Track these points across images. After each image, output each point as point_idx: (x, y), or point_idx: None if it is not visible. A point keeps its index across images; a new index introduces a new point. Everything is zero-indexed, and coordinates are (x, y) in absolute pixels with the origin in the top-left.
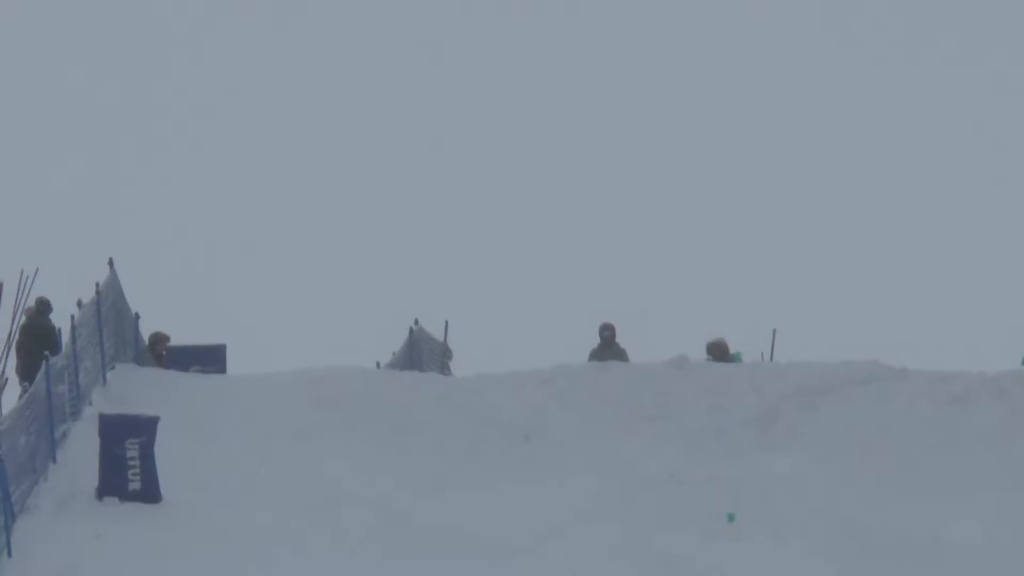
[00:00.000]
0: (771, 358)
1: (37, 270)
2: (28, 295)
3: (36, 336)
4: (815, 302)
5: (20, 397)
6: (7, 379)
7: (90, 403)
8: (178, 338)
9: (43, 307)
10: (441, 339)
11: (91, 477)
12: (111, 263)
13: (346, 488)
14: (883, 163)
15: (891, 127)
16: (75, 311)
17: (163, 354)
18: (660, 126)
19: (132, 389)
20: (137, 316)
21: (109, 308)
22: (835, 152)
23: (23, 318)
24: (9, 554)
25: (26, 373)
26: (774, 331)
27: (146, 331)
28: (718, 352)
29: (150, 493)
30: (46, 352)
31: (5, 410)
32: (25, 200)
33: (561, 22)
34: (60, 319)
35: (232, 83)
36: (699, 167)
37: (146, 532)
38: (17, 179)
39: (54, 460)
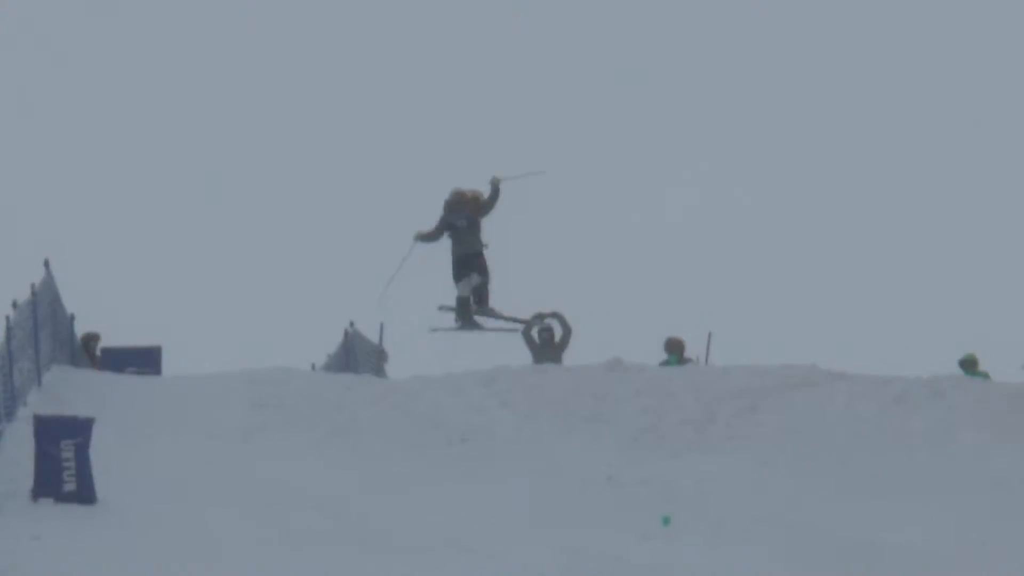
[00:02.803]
0: (706, 362)
1: None
2: None
3: None
4: (750, 306)
5: None
6: None
7: (25, 404)
8: (113, 340)
9: None
10: (376, 341)
11: (26, 478)
12: (47, 264)
13: (287, 488)
14: (821, 164)
15: (826, 124)
16: (10, 312)
17: (98, 355)
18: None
19: (68, 390)
20: (72, 317)
21: (45, 309)
22: (772, 152)
23: None
24: None
25: None
26: (709, 335)
27: (81, 332)
28: (675, 348)
29: (86, 494)
30: None
31: None
32: None
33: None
34: None
35: (164, 78)
36: (636, 167)
37: (82, 533)
38: None
39: None
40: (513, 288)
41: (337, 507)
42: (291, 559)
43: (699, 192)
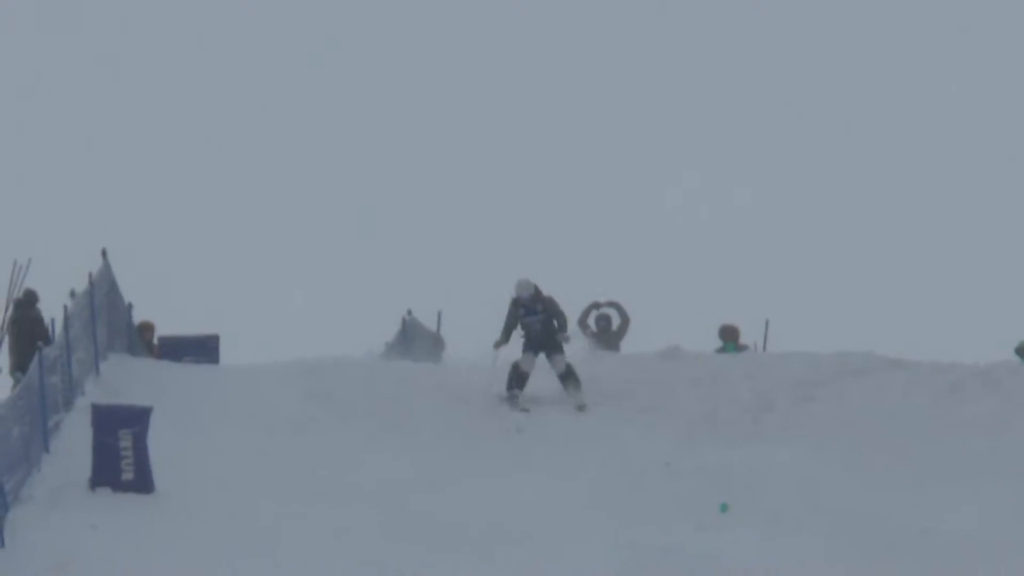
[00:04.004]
0: (764, 349)
1: (30, 260)
2: (21, 286)
3: (25, 328)
4: (808, 293)
5: (13, 388)
6: (0, 370)
7: (83, 393)
8: (171, 329)
9: (31, 297)
10: (434, 329)
11: (84, 468)
12: (104, 253)
13: (341, 479)
14: (877, 153)
15: (880, 116)
16: (68, 302)
17: (156, 344)
18: (648, 115)
19: (125, 379)
20: (130, 306)
21: (102, 298)
22: (829, 142)
23: (10, 310)
24: (2, 544)
25: (19, 364)
26: (767, 322)
27: (139, 321)
28: (730, 336)
29: (143, 483)
30: (39, 343)
31: None
32: (17, 190)
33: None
34: (53, 310)
35: (226, 74)
36: (690, 155)
37: (139, 522)
38: (9, 169)
39: (47, 450)
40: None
41: (391, 499)
42: (344, 551)
43: (757, 179)
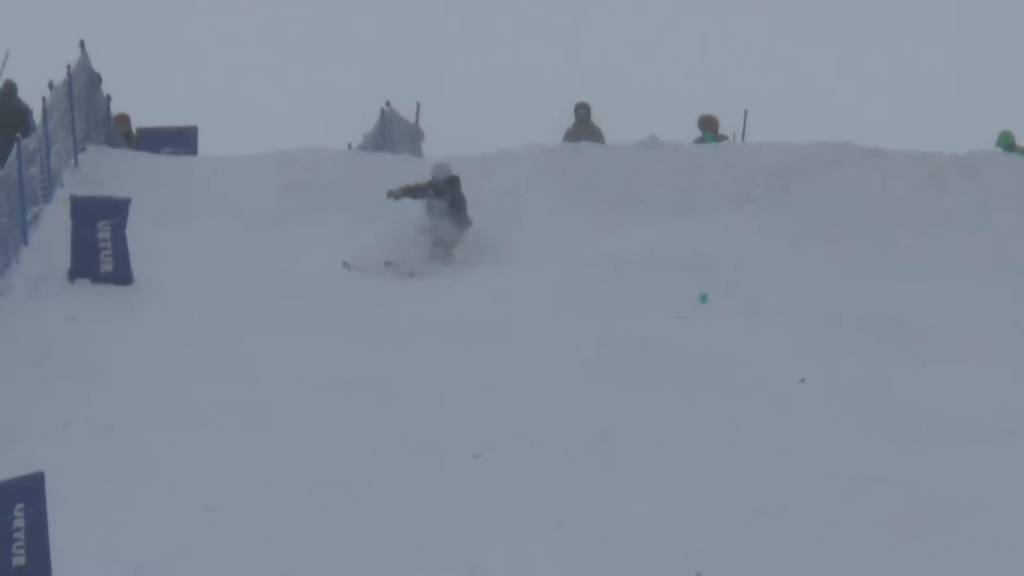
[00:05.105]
0: (743, 140)
1: (8, 53)
2: None
3: (8, 118)
4: (787, 84)
5: None
6: None
7: (61, 185)
8: (149, 120)
9: (10, 88)
10: (412, 121)
11: (63, 259)
12: (82, 44)
13: (319, 271)
14: None
15: None
16: (46, 93)
17: (135, 136)
18: None
19: (104, 171)
20: (108, 98)
21: (80, 90)
22: None
23: None
24: None
25: None
26: (745, 112)
27: (116, 113)
28: (709, 126)
29: (122, 275)
30: (17, 134)
31: None
32: None
33: None
34: (31, 102)
35: None
36: None
37: (118, 314)
38: None
39: (26, 242)
40: (553, 70)
41: (373, 290)
42: (322, 339)
43: None
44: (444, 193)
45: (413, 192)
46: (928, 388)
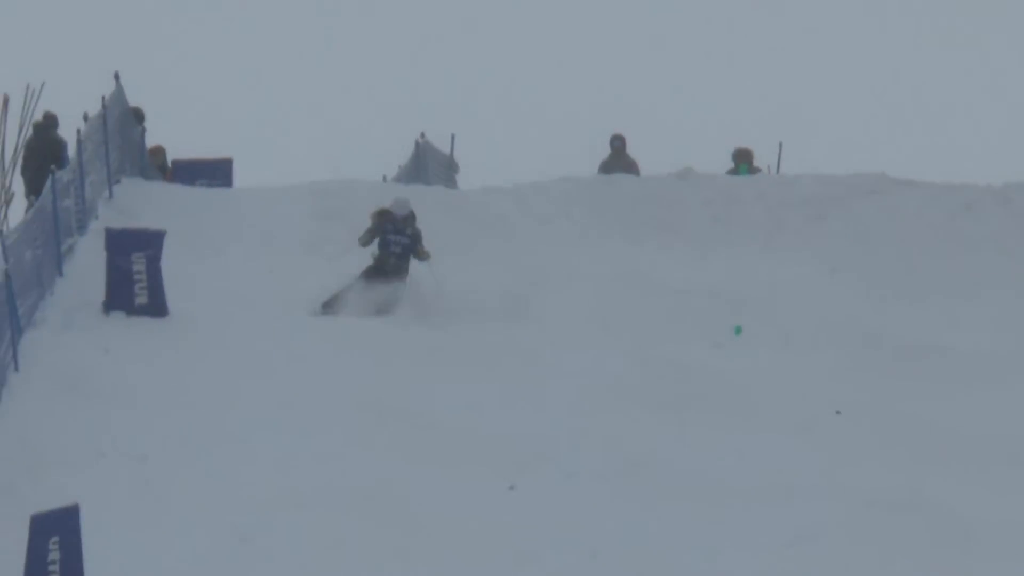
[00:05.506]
0: (777, 171)
1: (43, 84)
2: (35, 109)
3: (44, 150)
4: (821, 116)
5: (26, 212)
6: (13, 193)
7: (96, 217)
8: (184, 153)
9: (50, 121)
10: (447, 152)
11: (98, 291)
12: (117, 77)
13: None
14: None
15: None
16: (81, 125)
17: (169, 168)
18: None
19: (138, 203)
20: (143, 130)
21: (115, 122)
22: None
23: (29, 132)
24: (16, 367)
25: (32, 187)
26: (780, 144)
27: (151, 145)
28: (744, 158)
29: (157, 307)
30: (52, 166)
31: (12, 225)
32: (31, 13)
33: None
34: (66, 134)
35: None
36: None
37: (153, 346)
38: None
39: (61, 274)
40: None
41: (401, 316)
42: (354, 367)
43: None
44: (403, 230)
45: (372, 233)
46: (965, 413)
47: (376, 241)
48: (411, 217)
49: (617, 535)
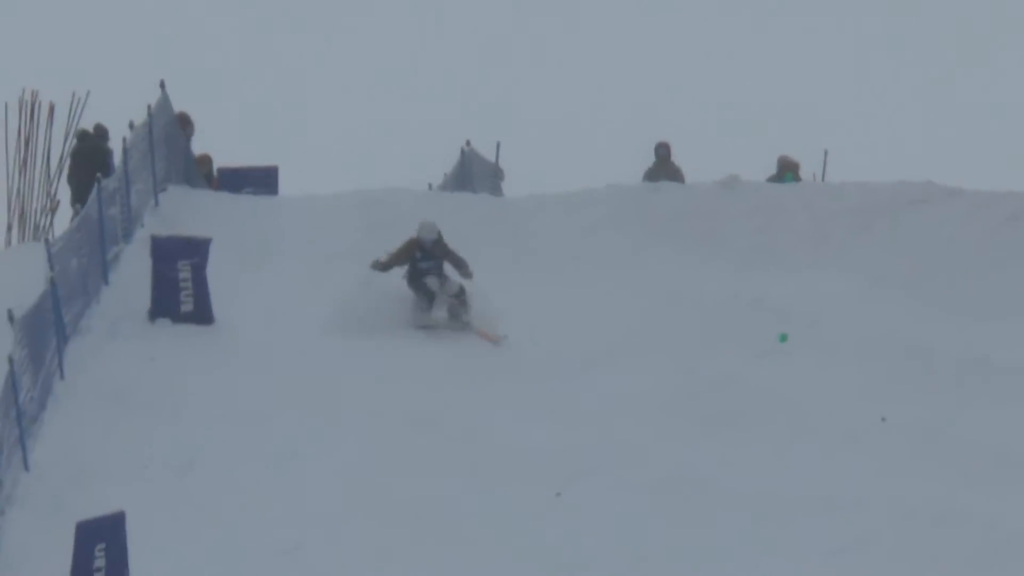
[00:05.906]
0: (823, 179)
1: (89, 92)
2: (80, 117)
3: (92, 159)
4: (867, 124)
5: (72, 220)
6: (59, 201)
7: (142, 225)
8: (230, 160)
9: (100, 132)
10: (493, 160)
11: (143, 299)
12: (162, 85)
13: (399, 310)
14: None
15: None
16: (127, 133)
17: (215, 176)
18: None
19: (184, 211)
20: (192, 131)
21: (160, 130)
22: None
23: (74, 141)
24: (62, 375)
25: (78, 196)
26: (825, 152)
27: (197, 154)
28: (789, 167)
29: (203, 314)
30: (98, 174)
31: (57, 233)
32: (77, 21)
33: None
34: (112, 141)
35: None
36: None
37: (199, 354)
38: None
39: (106, 282)
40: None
41: (446, 327)
42: (399, 375)
43: (816, 9)
44: (433, 254)
45: (397, 259)
46: (1010, 426)
47: (406, 268)
48: (440, 241)
49: (661, 546)
